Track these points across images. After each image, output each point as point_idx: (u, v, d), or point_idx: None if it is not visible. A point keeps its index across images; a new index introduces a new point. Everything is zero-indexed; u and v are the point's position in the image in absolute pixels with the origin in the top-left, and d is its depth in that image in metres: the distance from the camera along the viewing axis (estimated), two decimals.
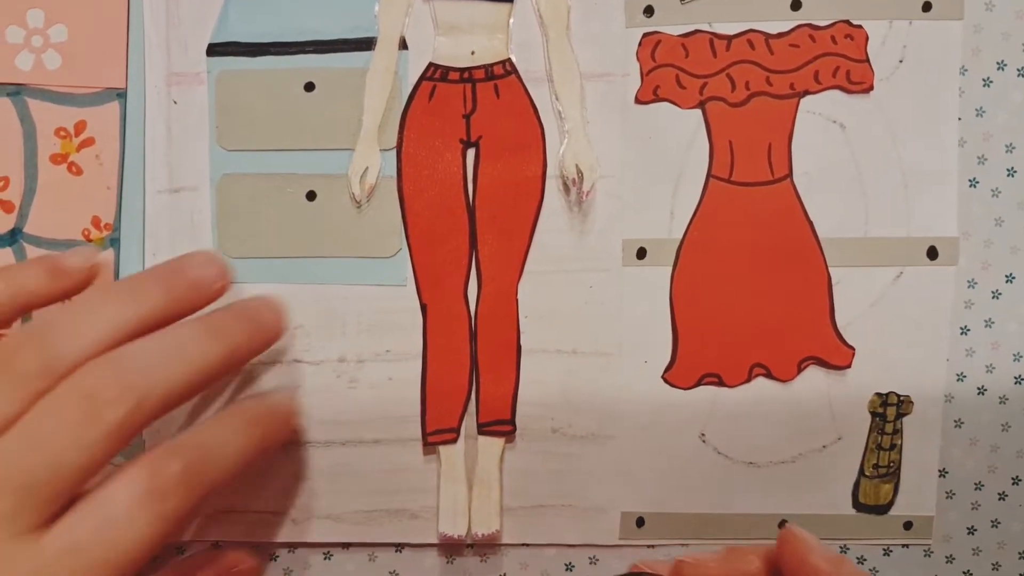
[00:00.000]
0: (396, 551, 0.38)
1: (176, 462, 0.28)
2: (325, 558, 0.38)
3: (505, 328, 0.37)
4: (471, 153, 0.37)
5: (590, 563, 0.38)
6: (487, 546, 0.38)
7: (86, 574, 0.27)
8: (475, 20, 0.36)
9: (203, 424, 0.31)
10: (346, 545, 0.38)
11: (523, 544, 0.37)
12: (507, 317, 0.37)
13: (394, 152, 0.37)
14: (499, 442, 0.37)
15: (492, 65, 0.36)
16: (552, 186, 0.36)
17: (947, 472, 0.37)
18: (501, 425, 0.37)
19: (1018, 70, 0.36)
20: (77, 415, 0.27)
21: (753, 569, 0.31)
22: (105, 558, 0.27)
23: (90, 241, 0.37)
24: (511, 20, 0.36)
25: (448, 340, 0.37)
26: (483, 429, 0.37)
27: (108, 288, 0.32)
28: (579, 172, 0.36)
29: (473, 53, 0.36)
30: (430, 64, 0.37)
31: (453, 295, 0.37)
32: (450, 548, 0.38)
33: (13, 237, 0.37)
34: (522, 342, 0.37)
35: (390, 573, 0.38)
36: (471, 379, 0.37)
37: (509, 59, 0.36)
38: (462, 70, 0.36)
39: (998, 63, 0.36)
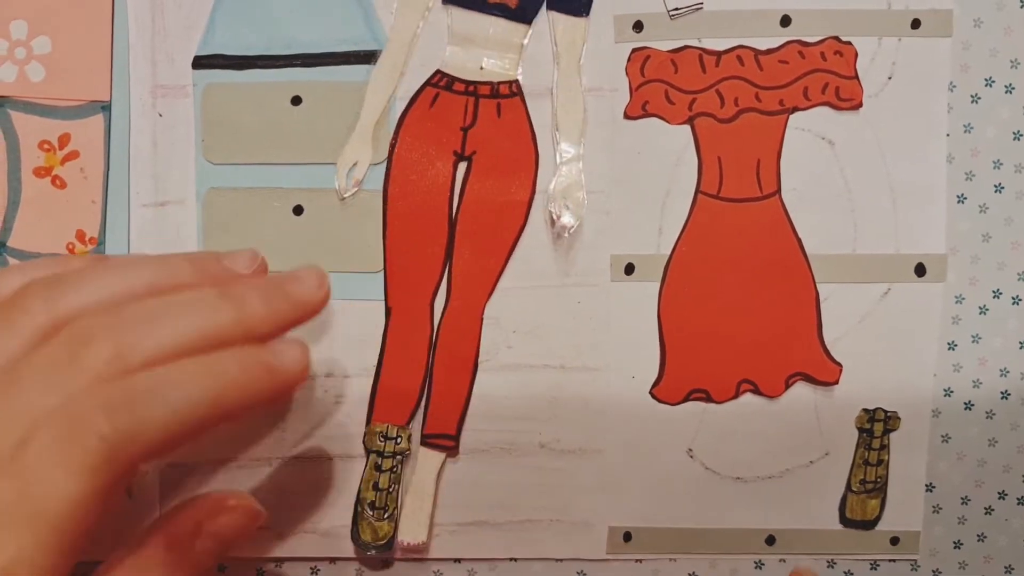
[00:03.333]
0: (359, 567, 0.38)
1: (105, 422, 0.25)
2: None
3: (465, 345, 0.37)
4: (463, 167, 0.37)
5: None
6: (473, 560, 0.37)
7: (20, 525, 0.25)
8: (490, 35, 0.36)
9: (162, 369, 0.27)
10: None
11: (510, 559, 0.37)
12: (469, 334, 0.37)
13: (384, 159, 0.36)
14: (440, 456, 0.37)
15: (499, 83, 0.36)
16: (537, 213, 0.36)
17: (934, 487, 0.37)
18: (444, 439, 0.37)
19: (1006, 86, 0.36)
20: (63, 355, 0.26)
21: None
22: (34, 513, 0.25)
23: (74, 255, 0.37)
24: (526, 42, 0.36)
25: (406, 347, 0.36)
26: (426, 440, 0.37)
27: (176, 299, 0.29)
28: (566, 208, 0.36)
29: (482, 68, 0.36)
30: (437, 71, 0.36)
31: (419, 303, 0.36)
32: (423, 563, 0.37)
33: None
34: (510, 356, 0.37)
35: None
36: (422, 389, 0.37)
37: (516, 80, 0.36)
38: (468, 82, 0.36)
39: (986, 79, 0.36)
